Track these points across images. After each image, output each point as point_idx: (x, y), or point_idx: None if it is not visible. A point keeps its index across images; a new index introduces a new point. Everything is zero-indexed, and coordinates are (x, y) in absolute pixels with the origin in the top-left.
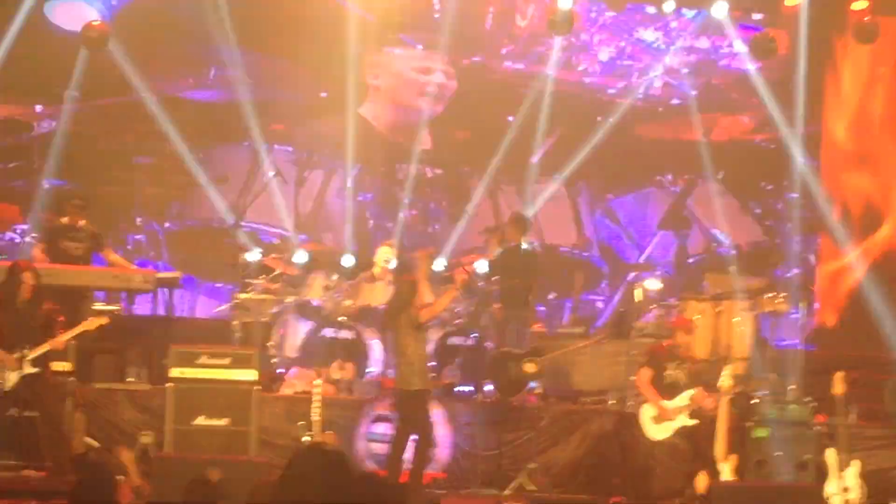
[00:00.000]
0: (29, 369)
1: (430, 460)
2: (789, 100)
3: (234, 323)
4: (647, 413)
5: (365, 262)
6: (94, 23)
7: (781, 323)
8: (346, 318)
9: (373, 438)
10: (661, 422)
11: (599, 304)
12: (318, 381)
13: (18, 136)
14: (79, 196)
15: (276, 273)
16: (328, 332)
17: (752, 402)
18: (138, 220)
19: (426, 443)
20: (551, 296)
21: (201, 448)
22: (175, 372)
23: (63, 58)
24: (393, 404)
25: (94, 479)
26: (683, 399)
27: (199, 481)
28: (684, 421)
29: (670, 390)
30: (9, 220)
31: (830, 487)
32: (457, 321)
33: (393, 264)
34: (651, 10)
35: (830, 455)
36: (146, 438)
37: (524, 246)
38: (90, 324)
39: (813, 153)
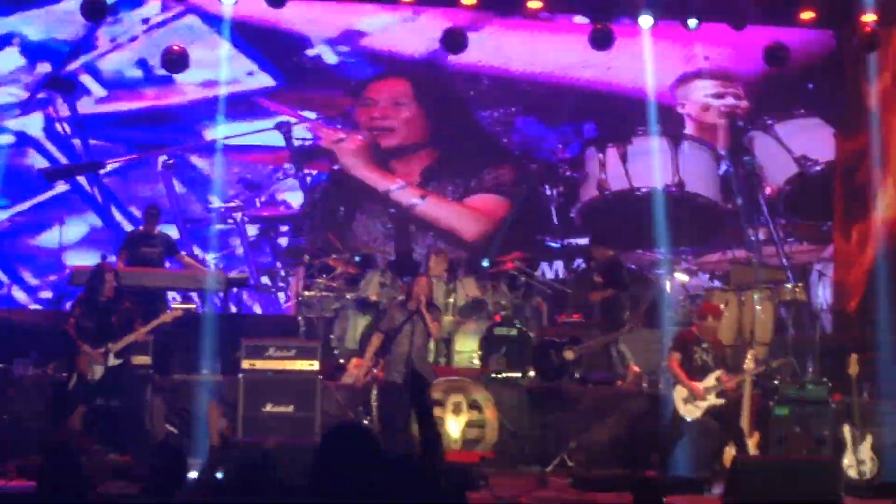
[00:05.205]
0: (113, 362)
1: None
2: None
3: (299, 318)
4: (679, 394)
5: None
6: None
7: (800, 310)
8: None
9: None
10: (691, 402)
11: None
12: (376, 371)
13: None
14: (153, 206)
15: (337, 272)
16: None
17: (774, 382)
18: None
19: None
20: None
21: (269, 433)
22: (246, 363)
23: None
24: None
25: (169, 464)
26: (710, 380)
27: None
28: (713, 401)
29: (699, 373)
30: None
31: (846, 460)
32: (502, 312)
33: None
34: None
35: (846, 431)
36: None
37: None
38: (167, 317)
39: None
